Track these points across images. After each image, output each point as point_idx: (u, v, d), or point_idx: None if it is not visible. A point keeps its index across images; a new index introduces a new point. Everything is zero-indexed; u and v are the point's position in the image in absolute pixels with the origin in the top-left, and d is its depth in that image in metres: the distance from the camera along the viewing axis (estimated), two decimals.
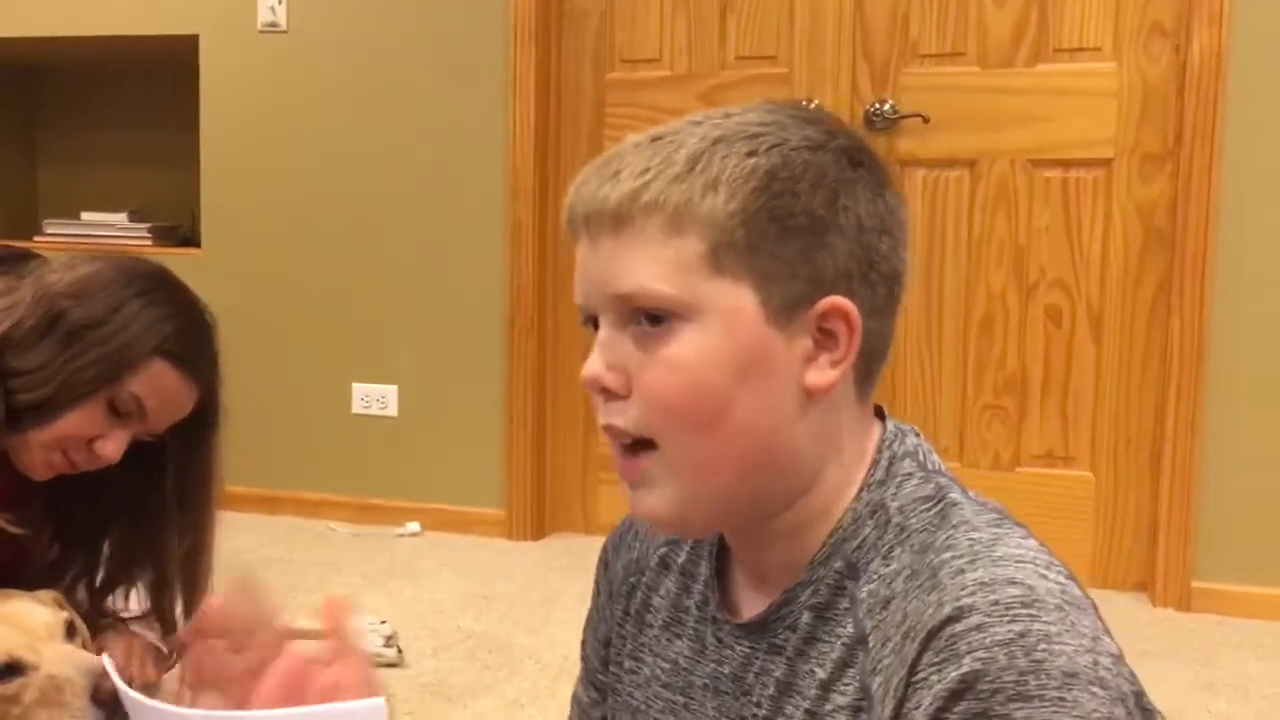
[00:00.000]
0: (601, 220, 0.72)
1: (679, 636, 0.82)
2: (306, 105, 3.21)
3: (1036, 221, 2.80)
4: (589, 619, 0.93)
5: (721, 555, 0.82)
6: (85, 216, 3.46)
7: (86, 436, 1.32)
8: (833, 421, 0.74)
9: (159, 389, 1.34)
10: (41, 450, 1.31)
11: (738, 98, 2.95)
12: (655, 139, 0.73)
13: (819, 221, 0.71)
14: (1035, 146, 2.78)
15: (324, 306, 3.24)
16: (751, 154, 0.71)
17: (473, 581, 2.75)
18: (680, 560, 0.84)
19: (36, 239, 3.38)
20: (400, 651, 2.25)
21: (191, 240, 3.44)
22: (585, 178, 0.74)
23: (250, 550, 2.92)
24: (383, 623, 2.30)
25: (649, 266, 0.71)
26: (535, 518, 3.14)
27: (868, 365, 0.75)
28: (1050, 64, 2.77)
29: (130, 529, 1.45)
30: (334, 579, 2.73)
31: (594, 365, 0.73)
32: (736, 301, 0.71)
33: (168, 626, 1.48)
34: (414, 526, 3.14)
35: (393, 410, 3.21)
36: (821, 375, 0.72)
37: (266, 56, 3.22)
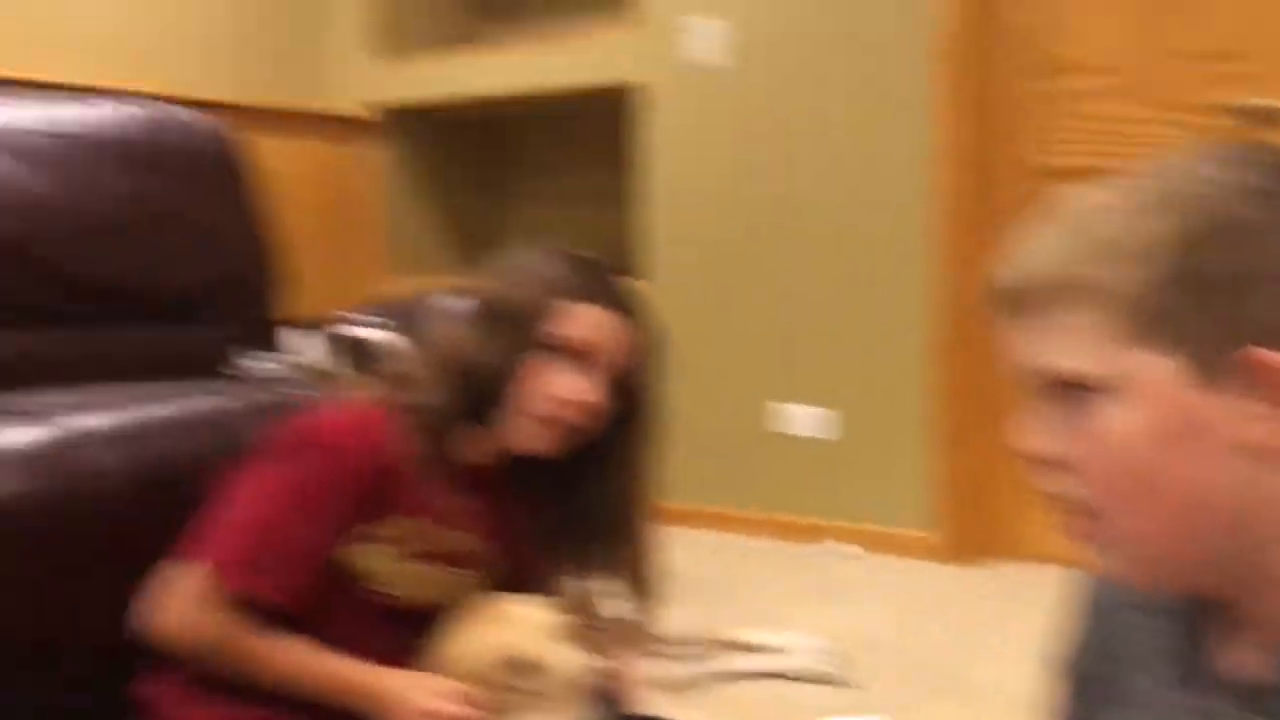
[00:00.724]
0: (1025, 295, 0.74)
1: (1174, 686, 0.80)
2: (738, 141, 3.35)
3: None
4: (1086, 615, 0.92)
5: (1207, 611, 0.79)
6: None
7: (546, 390, 1.38)
8: None
9: (582, 324, 1.38)
10: (525, 420, 1.38)
11: (1194, 101, 2.74)
12: (1067, 212, 0.74)
13: (1241, 276, 0.69)
14: None
15: (760, 333, 3.36)
16: (1162, 216, 0.70)
17: (910, 605, 2.74)
18: (1164, 617, 0.83)
19: None
20: (841, 671, 2.28)
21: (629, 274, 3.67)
22: (1011, 253, 0.76)
23: (701, 565, 3.07)
24: (825, 642, 2.34)
25: (1067, 344, 0.72)
26: (970, 542, 3.07)
27: None
28: None
29: (586, 532, 1.50)
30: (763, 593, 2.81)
31: (1030, 436, 0.76)
32: (1158, 371, 0.70)
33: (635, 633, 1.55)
34: (855, 550, 3.17)
35: (825, 433, 3.26)
36: (1258, 430, 0.69)
37: (703, 97, 3.39)
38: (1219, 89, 2.70)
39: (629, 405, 1.45)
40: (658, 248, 3.52)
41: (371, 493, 1.34)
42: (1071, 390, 0.72)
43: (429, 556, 1.40)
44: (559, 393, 1.38)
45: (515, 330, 1.38)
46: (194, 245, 2.21)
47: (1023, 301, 0.74)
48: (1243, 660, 0.75)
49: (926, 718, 2.12)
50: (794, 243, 3.29)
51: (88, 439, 1.44)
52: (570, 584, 1.54)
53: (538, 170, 4.21)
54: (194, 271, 2.20)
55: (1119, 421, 0.71)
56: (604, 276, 1.43)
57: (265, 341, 2.20)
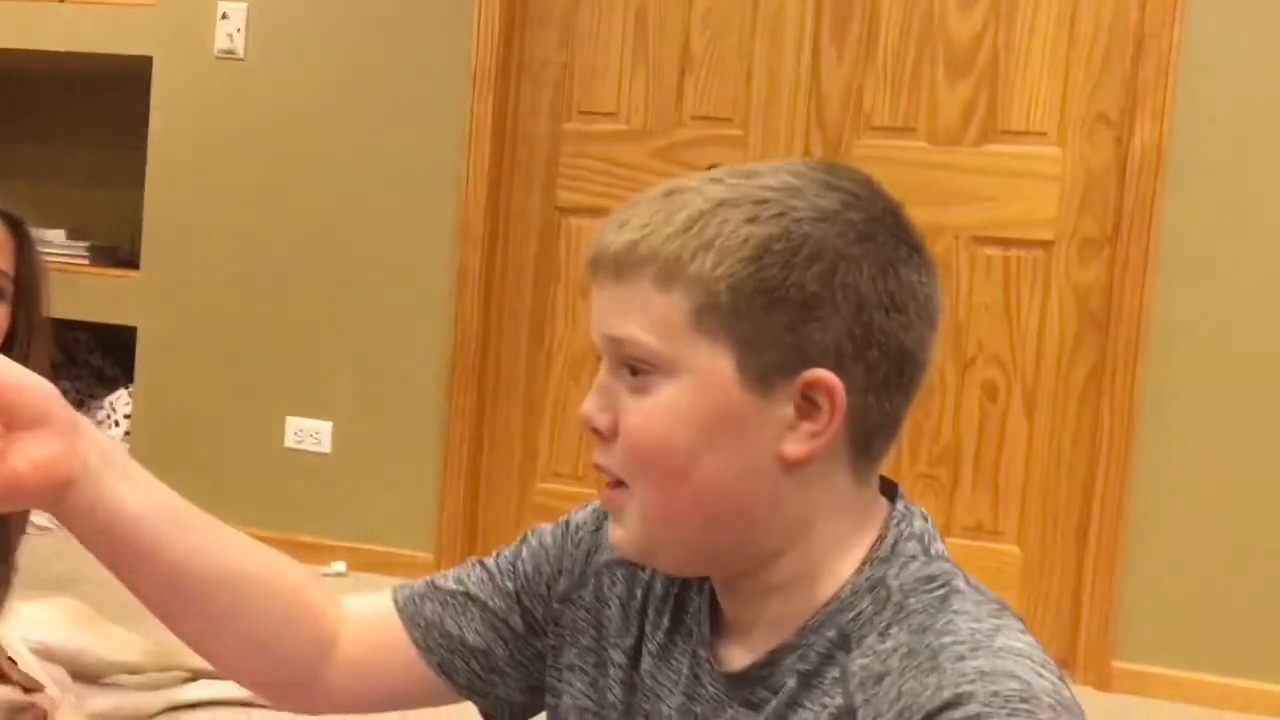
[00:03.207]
0: (605, 265, 0.75)
1: (664, 655, 0.80)
2: (259, 134, 3.19)
3: (977, 298, 2.85)
4: (554, 543, 0.89)
5: (715, 599, 0.81)
6: None
7: None
8: (820, 492, 0.74)
9: None
10: None
11: (692, 156, 2.98)
12: (669, 193, 0.74)
13: (811, 296, 0.71)
14: (979, 224, 2.84)
15: (262, 336, 3.20)
16: (751, 220, 0.71)
17: None
18: (677, 583, 0.83)
19: None
20: None
21: (130, 262, 3.38)
22: (605, 223, 0.76)
23: None
24: None
25: (637, 317, 0.72)
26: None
27: (865, 442, 0.74)
28: (997, 145, 2.84)
29: None
30: None
31: (588, 405, 0.76)
32: (714, 363, 0.71)
33: None
34: (340, 566, 3.08)
35: (326, 446, 3.16)
36: (798, 446, 0.72)
37: (221, 83, 3.20)
38: (714, 147, 2.96)
39: (15, 317, 1.28)
40: (156, 239, 3.26)
41: None
42: (633, 362, 0.73)
43: None
44: None
45: None
46: None
47: (608, 267, 0.74)
48: (727, 648, 0.78)
49: None
50: (307, 248, 3.17)
51: None
52: None
53: (16, 136, 3.76)
54: None
55: (669, 402, 0.72)
56: None
57: None
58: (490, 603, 0.87)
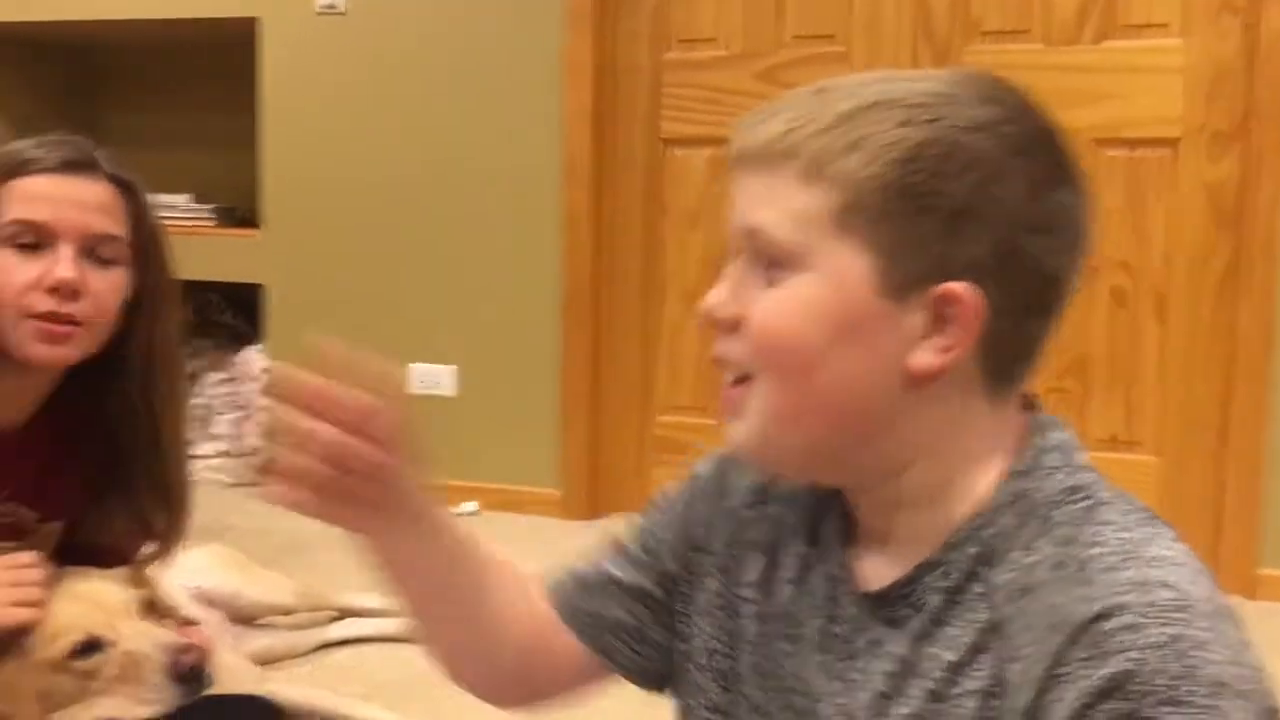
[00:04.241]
0: (749, 158, 0.73)
1: (801, 582, 0.80)
2: (363, 87, 3.23)
3: (1101, 202, 2.75)
4: (679, 503, 0.89)
5: (850, 516, 0.80)
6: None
7: (11, 286, 1.22)
8: (949, 410, 0.72)
9: (36, 196, 1.23)
10: (19, 332, 1.22)
11: (795, 77, 2.92)
12: (820, 90, 0.73)
13: (959, 207, 0.69)
14: (1101, 125, 2.73)
15: (381, 287, 3.27)
16: (904, 124, 0.69)
17: (530, 561, 2.77)
18: (810, 503, 0.82)
19: None
20: None
21: (250, 221, 3.48)
22: (749, 116, 0.75)
23: (312, 528, 2.95)
24: None
25: (777, 209, 0.71)
26: (591, 498, 3.15)
27: (1001, 364, 0.73)
28: (1117, 40, 2.71)
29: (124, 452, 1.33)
30: None
31: (712, 296, 0.75)
32: (849, 264, 0.70)
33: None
34: (471, 506, 3.16)
35: (449, 390, 3.23)
36: (927, 358, 0.70)
37: (325, 38, 3.24)
38: (816, 66, 2.90)
39: (139, 279, 1.29)
40: (274, 198, 3.34)
41: None
42: (766, 255, 0.72)
43: None
44: (21, 280, 1.21)
45: None
46: None
47: (751, 159, 0.73)
48: (864, 567, 0.77)
49: None
50: (418, 197, 3.22)
51: None
52: (142, 555, 1.43)
53: (138, 107, 3.87)
54: None
55: (799, 296, 0.71)
56: (57, 144, 1.26)
57: None
58: (631, 579, 0.88)
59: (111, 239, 1.27)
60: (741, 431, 0.75)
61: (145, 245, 1.31)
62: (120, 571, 1.38)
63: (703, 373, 3.10)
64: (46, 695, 1.25)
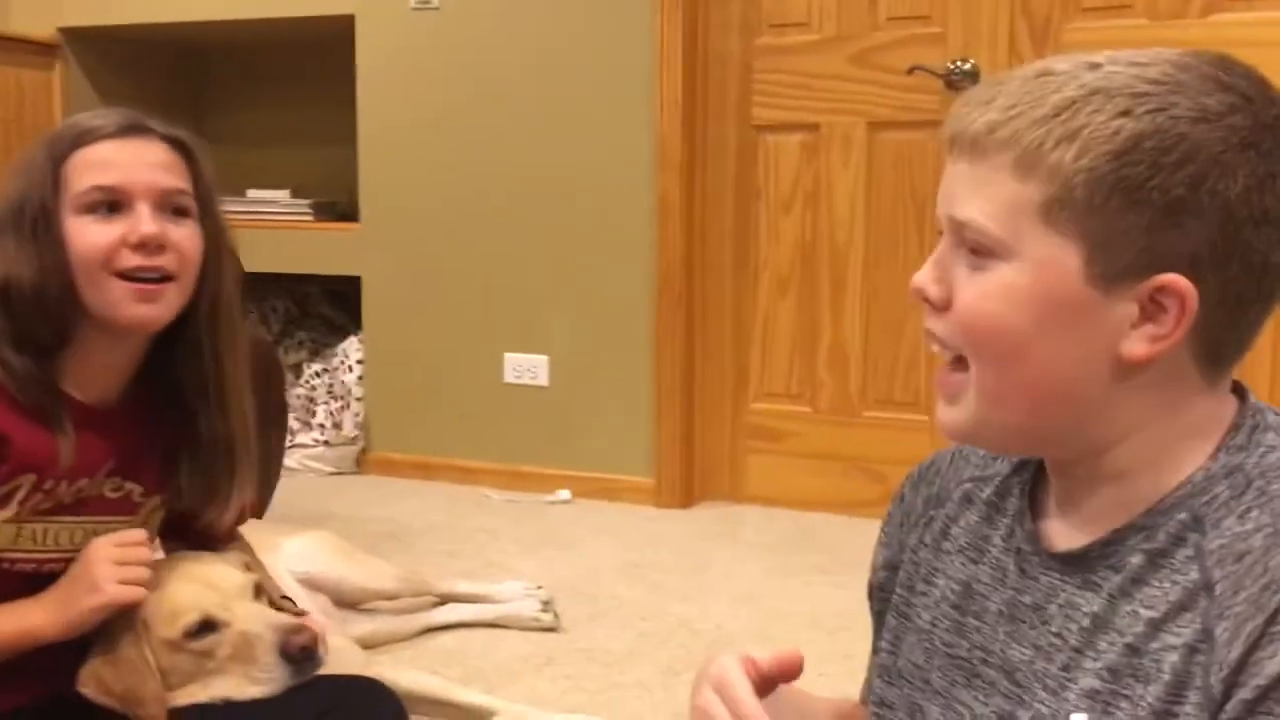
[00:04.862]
0: (963, 143, 0.74)
1: (977, 563, 0.83)
2: (457, 81, 3.27)
3: None
4: (878, 543, 0.94)
5: (1034, 492, 0.82)
6: (250, 194, 3.60)
7: (96, 247, 1.25)
8: (1162, 394, 0.73)
9: (94, 166, 1.26)
10: (98, 286, 1.25)
11: (890, 60, 2.88)
12: (1041, 74, 0.73)
13: (1175, 200, 0.69)
14: None
15: (477, 278, 3.31)
16: (1124, 114, 0.69)
17: (625, 549, 2.79)
18: (985, 495, 0.85)
19: None
20: (557, 616, 2.29)
21: (350, 215, 3.54)
22: (967, 97, 0.75)
23: (410, 515, 3.01)
24: (539, 588, 2.35)
25: (985, 201, 0.72)
26: (684, 486, 3.15)
27: (1215, 350, 0.73)
28: (1227, 13, 2.63)
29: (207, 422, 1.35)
30: (491, 545, 2.79)
31: (922, 275, 0.77)
32: (1058, 255, 0.71)
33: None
34: (565, 494, 3.19)
35: (544, 380, 3.26)
36: (1139, 346, 0.71)
37: (419, 34, 3.29)
38: (911, 48, 2.86)
39: (207, 234, 1.32)
40: (372, 191, 3.40)
41: None
42: (975, 242, 0.73)
43: (56, 510, 1.29)
44: (106, 242, 1.24)
45: (32, 224, 1.24)
46: None
47: (965, 145, 0.74)
48: (1061, 532, 0.79)
49: (644, 659, 2.16)
50: (512, 189, 3.25)
51: None
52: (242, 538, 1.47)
53: (239, 105, 3.97)
54: None
55: (1005, 283, 0.72)
56: (109, 114, 1.30)
57: None
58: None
59: (181, 192, 1.31)
60: (952, 415, 0.78)
61: (205, 200, 1.34)
62: (233, 555, 1.42)
63: (796, 359, 3.09)
64: (165, 674, 1.30)
